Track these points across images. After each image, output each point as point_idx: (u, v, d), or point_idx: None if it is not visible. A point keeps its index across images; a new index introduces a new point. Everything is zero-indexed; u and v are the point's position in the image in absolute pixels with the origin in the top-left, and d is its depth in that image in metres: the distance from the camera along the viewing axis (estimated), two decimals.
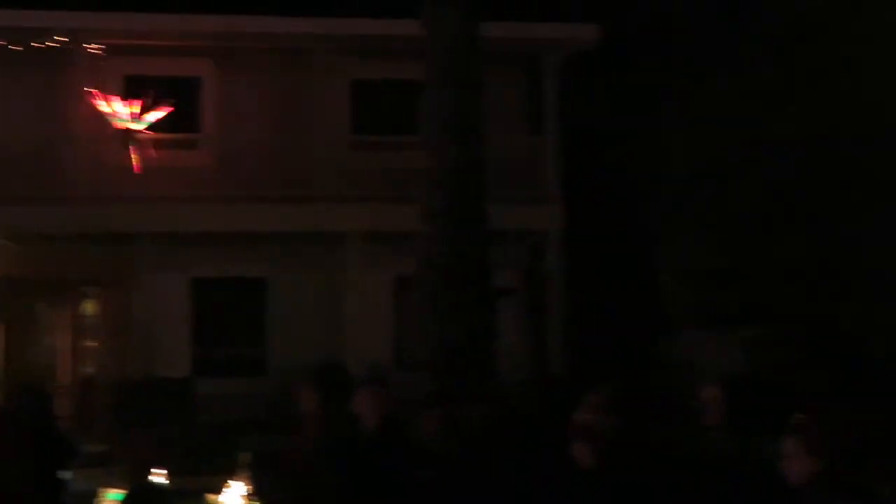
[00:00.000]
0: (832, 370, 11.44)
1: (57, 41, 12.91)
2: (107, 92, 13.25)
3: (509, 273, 13.36)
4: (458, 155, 8.72)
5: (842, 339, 12.61)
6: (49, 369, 13.54)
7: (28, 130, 13.17)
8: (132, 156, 13.20)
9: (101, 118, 13.27)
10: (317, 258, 14.04)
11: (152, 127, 13.37)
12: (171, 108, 13.33)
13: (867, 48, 13.80)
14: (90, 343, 14.01)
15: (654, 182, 14.72)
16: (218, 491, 4.91)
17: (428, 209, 8.74)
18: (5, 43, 12.70)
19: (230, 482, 4.83)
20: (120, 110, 13.18)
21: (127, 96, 13.34)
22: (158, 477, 5.27)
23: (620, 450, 3.68)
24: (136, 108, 13.21)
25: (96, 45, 13.21)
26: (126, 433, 11.13)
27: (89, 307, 14.13)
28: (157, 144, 13.44)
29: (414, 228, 9.09)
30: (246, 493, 4.62)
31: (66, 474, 5.57)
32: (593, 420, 3.75)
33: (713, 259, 14.46)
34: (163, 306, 13.60)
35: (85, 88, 13.17)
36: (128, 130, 13.22)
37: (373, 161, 13.93)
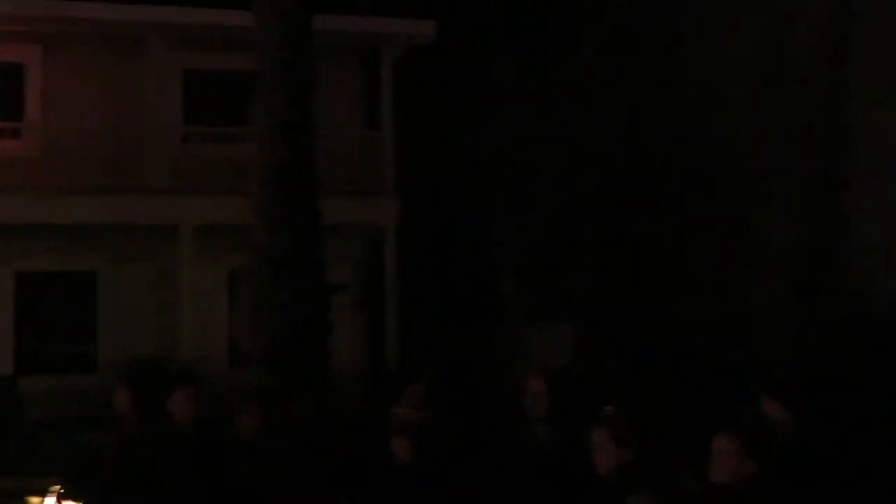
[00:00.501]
0: (647, 363, 11.88)
1: None
2: None
3: (346, 268, 13.37)
4: (289, 148, 8.66)
5: (666, 334, 13.10)
6: None
7: None
8: None
9: None
10: (149, 251, 13.75)
11: None
12: None
13: (693, 44, 14.38)
14: None
15: (491, 178, 14.94)
16: (42, 492, 4.78)
17: (259, 203, 8.66)
18: None
19: (52, 485, 4.71)
20: None
21: None
22: None
23: (436, 444, 3.75)
24: None
25: None
26: None
27: None
28: None
29: (247, 222, 9.01)
30: (61, 493, 4.51)
31: None
32: (410, 415, 3.82)
33: (546, 255, 14.80)
34: None
35: None
36: None
37: (205, 152, 13.74)
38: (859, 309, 11.98)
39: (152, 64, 13.56)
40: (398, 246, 14.09)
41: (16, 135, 13.51)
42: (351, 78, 14.73)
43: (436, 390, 4.01)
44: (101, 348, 13.71)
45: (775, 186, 13.74)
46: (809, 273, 13.17)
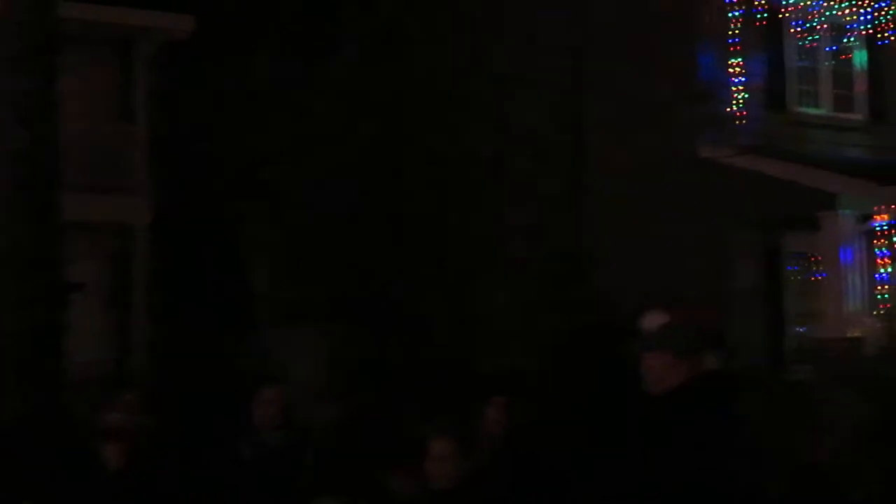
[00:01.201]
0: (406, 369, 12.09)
1: None
2: None
3: (94, 266, 12.89)
4: (27, 140, 8.25)
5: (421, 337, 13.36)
6: None
7: None
8: None
9: None
10: None
11: None
12: None
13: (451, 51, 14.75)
14: None
15: (248, 177, 14.78)
16: None
17: None
18: None
19: None
20: None
21: None
22: None
23: (148, 450, 3.66)
24: None
25: None
26: None
27: None
28: None
29: None
30: None
31: None
32: (122, 420, 3.71)
33: (305, 256, 14.77)
34: None
35: None
36: None
37: None
38: (601, 320, 12.55)
39: None
40: (152, 244, 13.69)
41: None
42: (105, 70, 14.19)
43: (153, 395, 3.92)
44: None
45: (519, 197, 14.28)
46: (552, 285, 13.75)
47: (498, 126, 14.47)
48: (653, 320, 4.13)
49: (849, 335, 11.18)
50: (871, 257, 11.44)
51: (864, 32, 14.09)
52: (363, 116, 14.58)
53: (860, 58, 14.27)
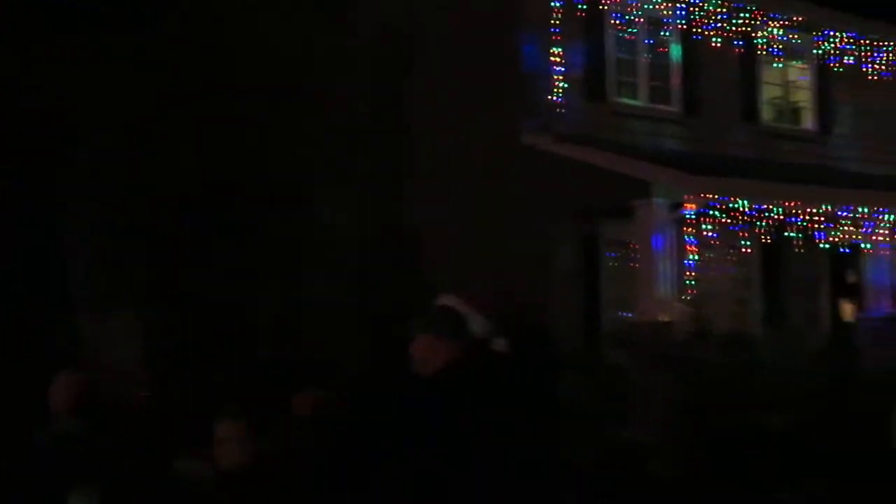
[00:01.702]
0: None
1: None
2: None
3: None
4: None
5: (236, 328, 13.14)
6: None
7: None
8: None
9: None
10: None
11: None
12: None
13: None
14: None
15: (63, 159, 14.23)
16: None
17: None
18: None
19: None
20: None
21: None
22: None
23: None
24: None
25: None
26: None
27: None
28: None
29: None
30: None
31: None
32: None
33: (124, 240, 14.34)
34: None
35: None
36: None
37: None
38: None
39: None
40: None
41: None
42: None
43: None
44: None
45: (342, 184, 14.21)
46: (371, 272, 13.74)
47: (319, 112, 14.35)
48: (441, 304, 4.15)
49: (660, 319, 11.54)
50: (682, 244, 11.84)
51: (680, 27, 14.56)
52: (186, 97, 14.22)
53: (676, 51, 14.74)
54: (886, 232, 13.80)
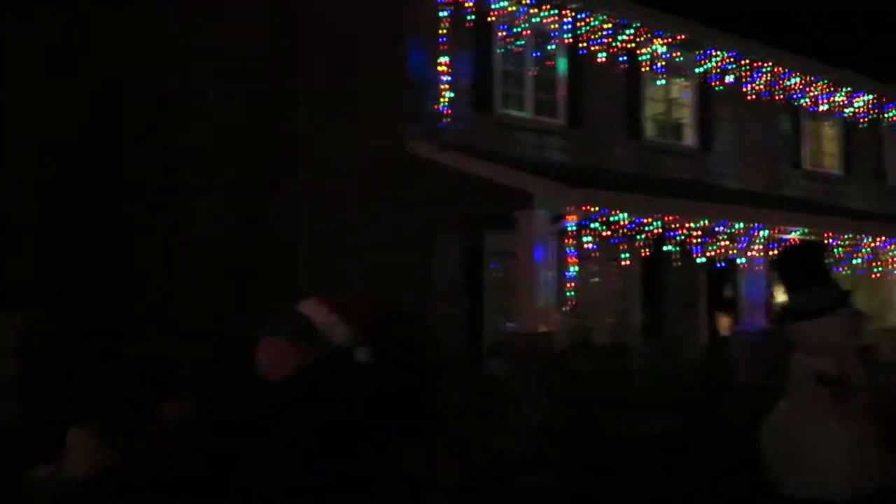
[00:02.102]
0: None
1: None
2: None
3: None
4: None
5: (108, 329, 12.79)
6: None
7: None
8: None
9: None
10: None
11: None
12: None
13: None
14: None
15: None
16: None
17: None
18: None
19: None
20: None
21: None
22: None
23: None
24: None
25: None
26: None
27: None
28: None
29: None
30: None
31: None
32: None
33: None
34: None
35: None
36: None
37: None
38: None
39: None
40: None
41: None
42: None
43: None
44: None
45: (213, 185, 13.99)
46: (244, 275, 13.54)
47: (194, 112, 14.10)
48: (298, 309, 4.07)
49: (540, 330, 11.61)
50: (563, 256, 11.94)
51: (566, 41, 14.72)
52: (57, 96, 13.82)
53: (562, 65, 14.90)
54: (761, 248, 14.15)
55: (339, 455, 3.71)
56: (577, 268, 12.11)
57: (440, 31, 13.12)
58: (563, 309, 12.47)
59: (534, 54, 14.59)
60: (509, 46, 14.26)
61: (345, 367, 3.85)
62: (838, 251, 15.55)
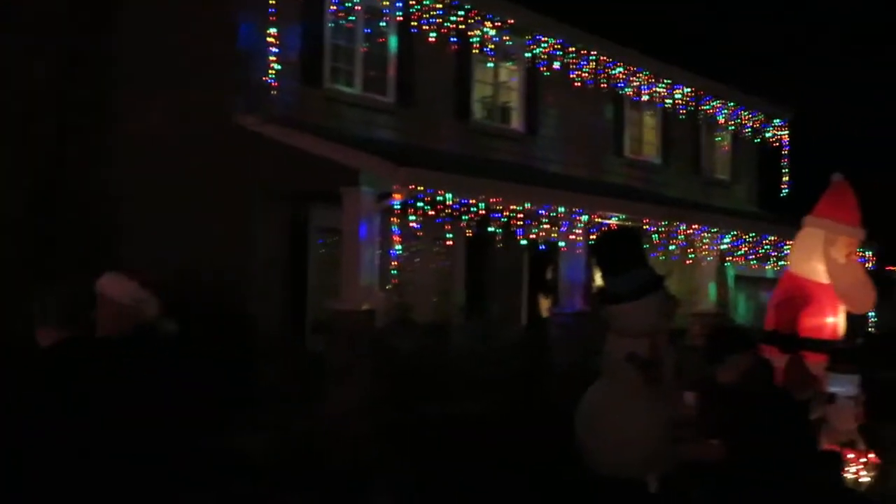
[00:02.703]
0: None
1: None
2: None
3: None
4: None
5: None
6: None
7: None
8: None
9: None
10: None
11: None
12: None
13: None
14: None
15: None
16: None
17: None
18: None
19: None
20: None
21: None
22: None
23: None
24: None
25: None
26: None
27: None
28: None
29: None
30: None
31: None
32: None
33: None
34: None
35: None
36: None
37: None
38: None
39: None
40: None
41: None
42: None
43: None
44: None
45: (24, 144, 13.38)
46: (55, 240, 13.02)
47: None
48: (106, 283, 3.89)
49: (363, 308, 11.56)
50: (388, 234, 11.92)
51: (397, 19, 14.66)
52: None
53: (393, 43, 14.84)
54: (581, 232, 14.47)
55: (145, 430, 3.57)
56: (401, 246, 12.09)
57: (270, 2, 12.84)
58: (387, 287, 12.45)
59: (365, 30, 14.48)
60: (340, 21, 14.10)
61: (149, 342, 3.70)
62: (655, 237, 16.06)
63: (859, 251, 9.91)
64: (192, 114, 12.93)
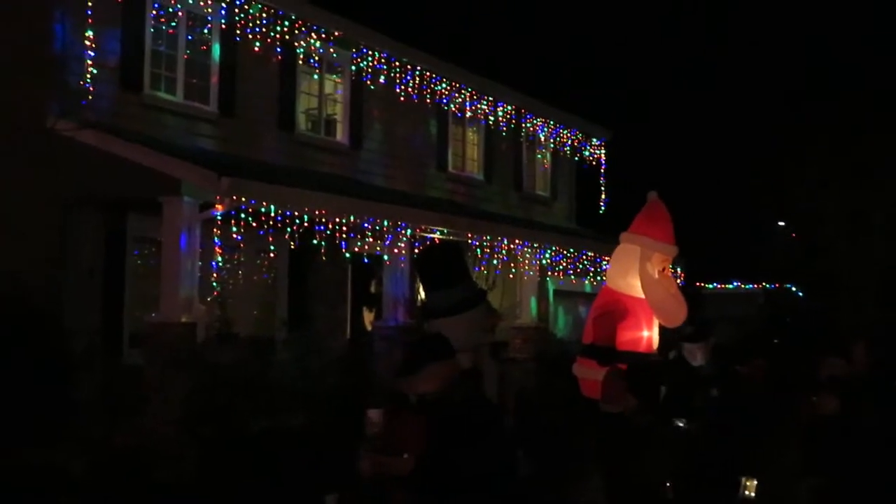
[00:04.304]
0: None
1: None
2: None
3: None
4: None
5: None
6: None
7: None
8: None
9: None
10: None
11: None
12: None
13: None
14: None
15: None
16: None
17: None
18: None
19: None
20: None
21: None
22: None
23: None
24: None
25: None
26: None
27: None
28: None
29: None
30: None
31: None
32: None
33: None
34: None
35: None
36: None
37: None
38: None
39: None
40: None
41: None
42: None
43: None
44: None
45: None
46: None
47: None
48: None
49: (182, 320, 11.30)
50: (209, 245, 11.69)
51: (221, 27, 14.43)
52: None
53: (216, 51, 14.60)
54: (405, 245, 14.56)
55: None
56: (223, 258, 11.89)
57: (88, 4, 12.43)
58: (208, 299, 12.20)
59: (188, 37, 14.19)
60: (162, 27, 13.78)
61: None
62: (478, 252, 16.31)
63: (671, 267, 10.30)
64: (3, 117, 12.38)
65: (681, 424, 7.35)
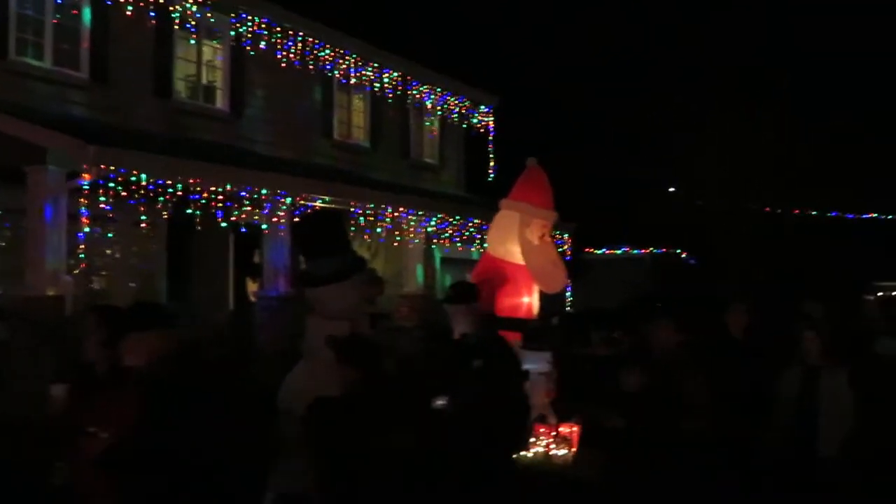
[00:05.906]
0: None
1: None
2: None
3: None
4: None
5: None
6: None
7: None
8: None
9: None
10: None
11: None
12: None
13: None
14: None
15: None
16: None
17: None
18: None
19: None
20: None
21: None
22: None
23: None
24: None
25: None
26: None
27: None
28: None
29: None
30: None
31: None
32: None
33: None
34: None
35: None
36: None
37: None
38: None
39: None
40: None
41: None
42: None
43: None
44: None
45: None
46: None
47: None
48: None
49: (48, 293, 10.96)
50: (77, 216, 11.35)
51: None
52: None
53: (87, 15, 14.14)
54: (285, 214, 14.35)
55: None
56: (91, 229, 11.54)
57: None
58: (75, 272, 11.86)
59: (56, 1, 13.70)
60: None
61: None
62: (362, 220, 16.16)
63: (554, 233, 10.35)
64: None
65: (441, 402, 6.60)
